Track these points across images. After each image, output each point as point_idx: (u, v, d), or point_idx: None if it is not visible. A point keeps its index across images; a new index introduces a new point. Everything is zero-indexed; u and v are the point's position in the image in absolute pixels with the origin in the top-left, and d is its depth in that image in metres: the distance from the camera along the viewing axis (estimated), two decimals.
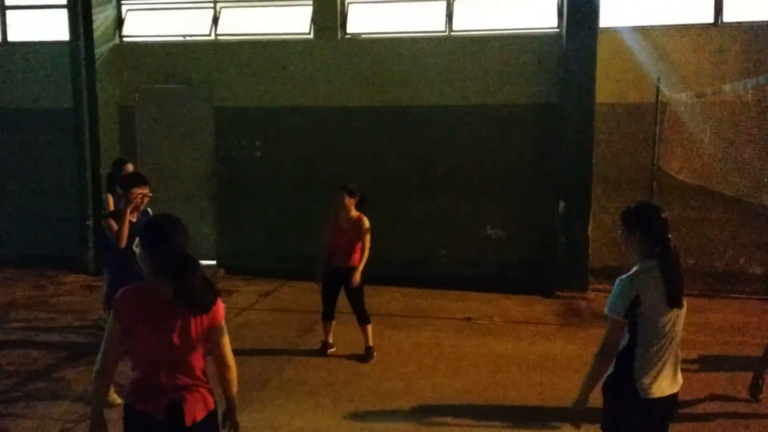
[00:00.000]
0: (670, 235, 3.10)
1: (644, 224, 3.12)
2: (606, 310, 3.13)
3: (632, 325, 3.09)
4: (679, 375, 3.20)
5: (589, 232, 8.29)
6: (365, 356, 6.19)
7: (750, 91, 7.14)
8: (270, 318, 7.52)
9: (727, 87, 7.61)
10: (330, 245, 6.18)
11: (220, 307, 2.78)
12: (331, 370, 5.86)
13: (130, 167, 6.93)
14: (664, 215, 3.14)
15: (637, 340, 3.11)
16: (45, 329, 6.99)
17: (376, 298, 8.15)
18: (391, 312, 7.71)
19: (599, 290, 8.29)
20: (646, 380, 3.09)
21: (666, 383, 3.13)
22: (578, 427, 3.28)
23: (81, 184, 9.46)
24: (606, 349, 3.12)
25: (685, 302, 3.13)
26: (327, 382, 5.59)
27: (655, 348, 3.09)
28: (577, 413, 3.23)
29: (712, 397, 5.25)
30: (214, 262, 9.50)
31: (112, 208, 6.68)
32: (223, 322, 2.80)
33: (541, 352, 6.37)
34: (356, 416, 4.95)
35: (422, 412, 5.02)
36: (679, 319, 3.13)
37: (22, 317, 7.43)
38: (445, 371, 5.86)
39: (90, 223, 9.38)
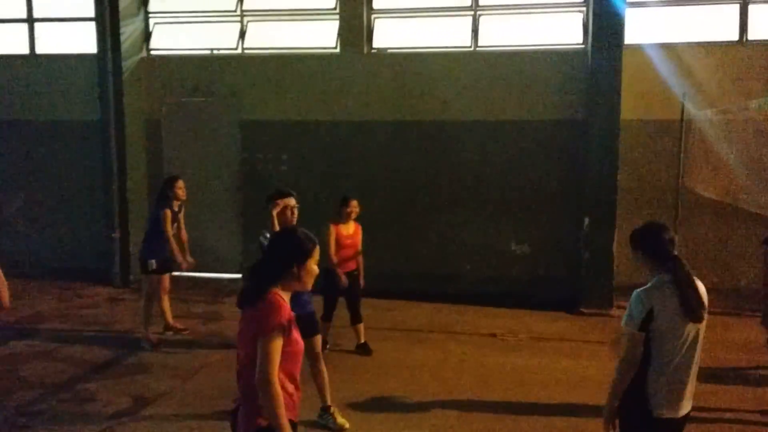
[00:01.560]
0: (676, 253, 3.24)
1: (646, 245, 3.28)
2: (622, 324, 3.25)
3: (646, 340, 3.14)
4: (689, 396, 3.25)
5: (614, 249, 8.25)
6: (367, 350, 6.70)
7: None
8: None
9: (753, 103, 7.60)
10: (337, 253, 6.44)
11: (265, 315, 2.66)
12: (354, 386, 5.85)
13: (181, 183, 7.05)
14: (666, 236, 3.27)
15: (651, 356, 3.16)
16: (70, 341, 7.04)
17: (401, 313, 8.21)
18: (415, 327, 7.71)
19: (624, 307, 8.22)
20: (660, 398, 3.16)
21: (680, 404, 3.19)
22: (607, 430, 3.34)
23: (107, 197, 9.56)
24: (625, 363, 3.21)
25: (703, 322, 3.18)
26: (351, 396, 5.58)
27: (672, 366, 3.15)
28: (606, 421, 3.32)
29: (733, 412, 5.29)
30: (239, 276, 9.52)
31: (169, 224, 6.85)
32: (267, 335, 2.62)
33: (566, 368, 6.35)
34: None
35: (447, 428, 5.01)
36: (697, 336, 3.18)
37: (47, 329, 7.50)
38: (470, 387, 5.86)
39: (116, 235, 9.47)
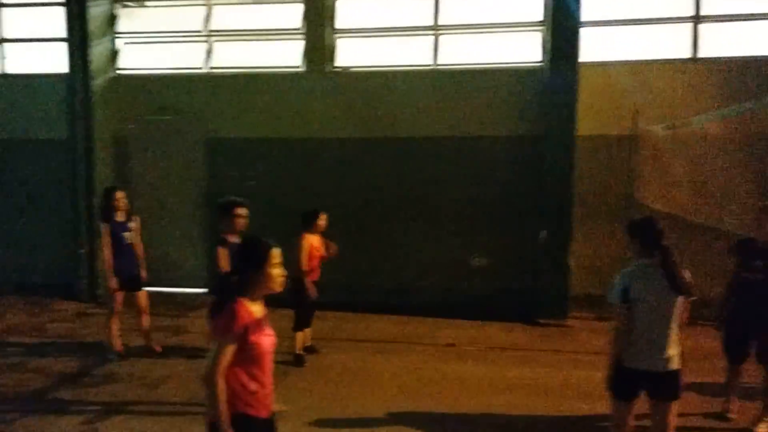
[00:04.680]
0: (664, 242, 3.93)
1: (641, 233, 4.03)
2: (608, 299, 4.08)
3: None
4: (662, 356, 3.93)
5: (570, 261, 8.50)
6: (313, 350, 7.11)
7: (719, 123, 7.45)
8: None
9: (695, 119, 7.91)
10: (309, 264, 6.74)
11: (219, 322, 2.97)
12: (314, 393, 6.02)
13: (119, 195, 7.01)
14: (658, 227, 4.01)
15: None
16: (40, 354, 7.14)
17: (361, 324, 8.38)
18: (375, 338, 7.87)
19: (579, 317, 8.49)
20: (630, 354, 3.98)
21: (647, 361, 3.93)
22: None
23: (75, 213, 9.68)
24: (613, 329, 4.08)
25: (686, 291, 3.90)
26: (309, 405, 5.71)
27: (645, 331, 3.94)
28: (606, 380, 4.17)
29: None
30: (205, 290, 9.66)
31: (108, 237, 6.86)
32: (217, 339, 2.96)
33: (523, 376, 6.55)
34: None
35: None
36: (673, 309, 3.91)
37: (18, 343, 7.58)
38: (429, 395, 6.01)
39: (83, 251, 9.56)
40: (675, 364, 3.97)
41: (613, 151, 8.85)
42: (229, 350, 2.92)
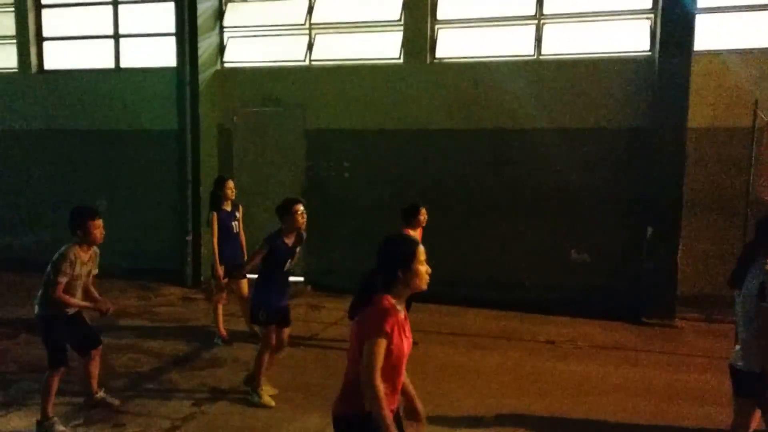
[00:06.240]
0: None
1: (757, 230, 4.05)
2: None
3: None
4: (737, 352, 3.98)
5: (679, 259, 8.10)
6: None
7: None
8: None
9: None
10: None
11: (370, 319, 2.83)
12: (414, 385, 5.98)
13: (230, 184, 7.27)
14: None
15: None
16: (151, 336, 7.52)
17: (460, 319, 8.32)
18: (474, 333, 7.80)
19: (687, 318, 8.09)
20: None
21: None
22: None
23: (182, 202, 10.11)
24: None
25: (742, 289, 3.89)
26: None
27: None
28: None
29: None
30: (302, 279, 9.87)
31: (216, 225, 7.11)
32: (370, 338, 2.79)
33: (626, 376, 6.33)
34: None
35: (503, 429, 5.10)
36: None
37: (129, 325, 8.00)
38: (528, 392, 5.91)
39: (189, 238, 9.99)
40: (741, 363, 3.91)
41: (729, 144, 8.35)
42: (383, 349, 2.78)
